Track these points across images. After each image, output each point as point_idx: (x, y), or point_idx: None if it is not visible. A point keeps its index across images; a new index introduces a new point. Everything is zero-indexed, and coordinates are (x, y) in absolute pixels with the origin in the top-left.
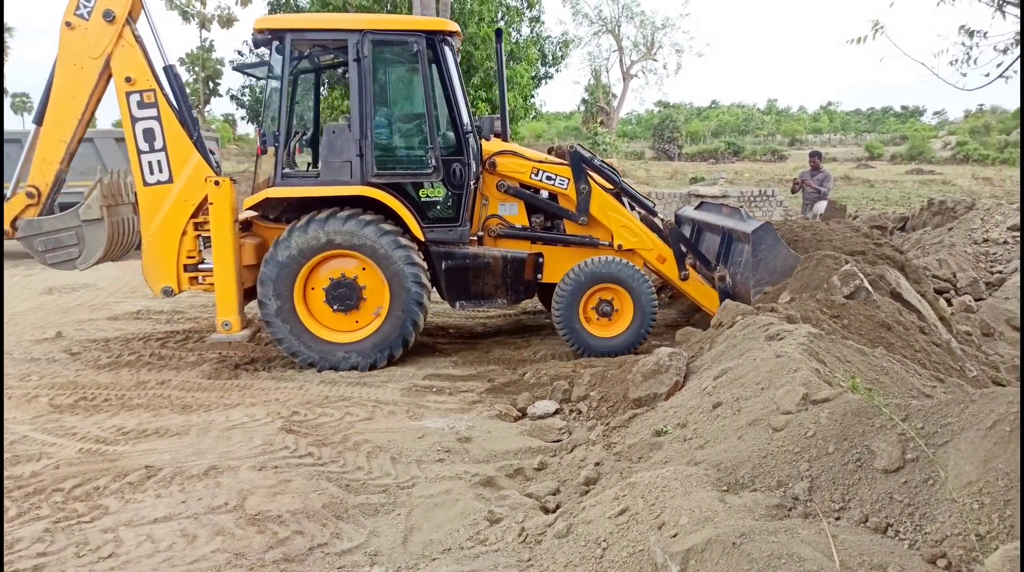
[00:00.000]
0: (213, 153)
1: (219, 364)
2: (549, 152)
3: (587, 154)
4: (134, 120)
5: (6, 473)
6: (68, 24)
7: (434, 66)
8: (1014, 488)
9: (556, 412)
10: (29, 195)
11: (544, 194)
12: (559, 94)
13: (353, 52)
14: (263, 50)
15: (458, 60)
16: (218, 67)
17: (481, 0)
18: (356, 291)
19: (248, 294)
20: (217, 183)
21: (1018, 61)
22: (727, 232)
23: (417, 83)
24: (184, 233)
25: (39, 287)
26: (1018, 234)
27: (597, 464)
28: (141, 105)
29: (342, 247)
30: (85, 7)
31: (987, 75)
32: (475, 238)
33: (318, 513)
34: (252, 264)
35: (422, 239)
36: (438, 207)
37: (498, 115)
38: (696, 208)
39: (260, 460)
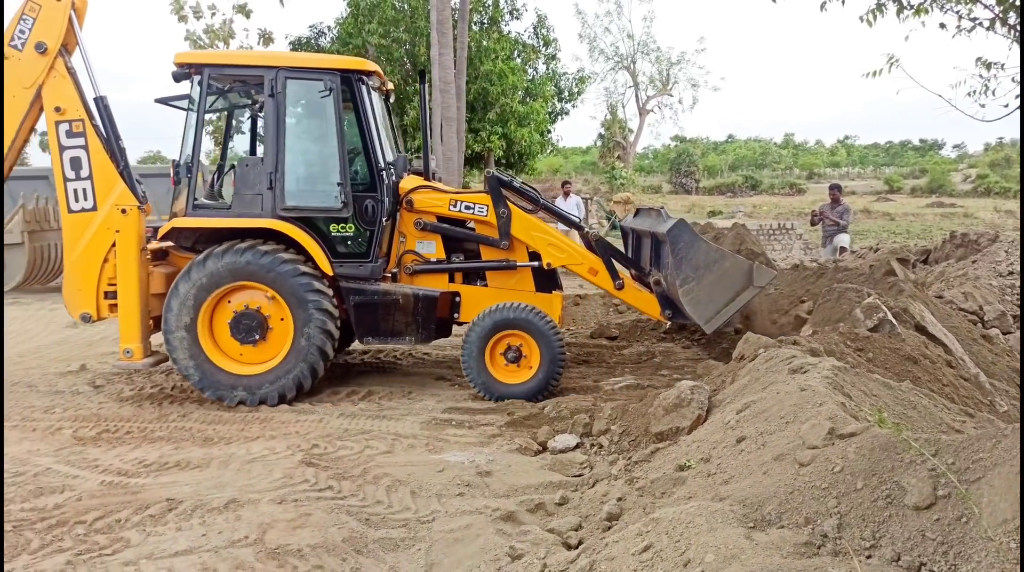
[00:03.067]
0: (140, 182)
1: None
2: (564, 185)
3: (505, 178)
4: (62, 148)
5: (30, 505)
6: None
7: (354, 103)
8: None
9: (577, 446)
10: None
11: (470, 225)
12: (576, 129)
13: (268, 88)
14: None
15: (382, 99)
16: None
17: (497, 39)
18: (262, 323)
19: (157, 322)
20: (124, 211)
21: None
22: (652, 235)
23: (331, 120)
24: (106, 260)
25: (64, 321)
26: None
27: (620, 499)
28: (69, 134)
29: (244, 279)
30: (19, 38)
31: (1006, 106)
32: (390, 275)
33: (338, 547)
34: (161, 293)
35: (330, 273)
36: (349, 243)
37: (413, 155)
38: (634, 217)
39: (280, 493)
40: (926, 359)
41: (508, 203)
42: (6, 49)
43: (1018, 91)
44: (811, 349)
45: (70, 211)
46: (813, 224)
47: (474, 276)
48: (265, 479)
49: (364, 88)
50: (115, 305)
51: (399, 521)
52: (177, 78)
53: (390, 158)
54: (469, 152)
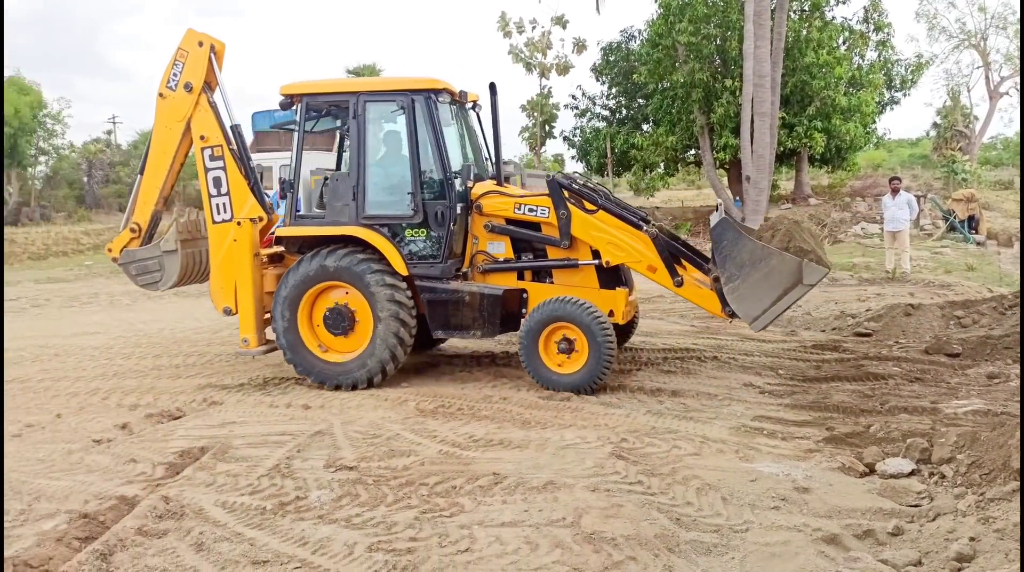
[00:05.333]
0: (268, 196)
1: None
2: (892, 181)
3: (565, 180)
4: (206, 170)
5: (384, 464)
6: (161, 95)
7: (423, 120)
8: None
9: (912, 473)
10: (132, 230)
11: (538, 226)
12: (902, 118)
13: (352, 111)
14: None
15: (464, 111)
16: (553, 112)
17: (820, 27)
18: (349, 317)
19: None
20: (239, 223)
21: None
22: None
23: (404, 136)
24: None
25: None
26: None
27: (972, 539)
28: (212, 158)
29: (334, 279)
30: (173, 80)
31: None
32: (463, 273)
33: (650, 542)
34: (274, 291)
35: (405, 274)
36: (422, 245)
37: (476, 162)
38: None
39: (593, 481)
40: None
41: (568, 204)
42: (164, 90)
43: None
44: None
45: (214, 222)
46: None
47: (543, 274)
48: (578, 466)
49: (433, 104)
50: None
51: (710, 526)
52: (283, 107)
53: (458, 168)
54: (781, 149)
